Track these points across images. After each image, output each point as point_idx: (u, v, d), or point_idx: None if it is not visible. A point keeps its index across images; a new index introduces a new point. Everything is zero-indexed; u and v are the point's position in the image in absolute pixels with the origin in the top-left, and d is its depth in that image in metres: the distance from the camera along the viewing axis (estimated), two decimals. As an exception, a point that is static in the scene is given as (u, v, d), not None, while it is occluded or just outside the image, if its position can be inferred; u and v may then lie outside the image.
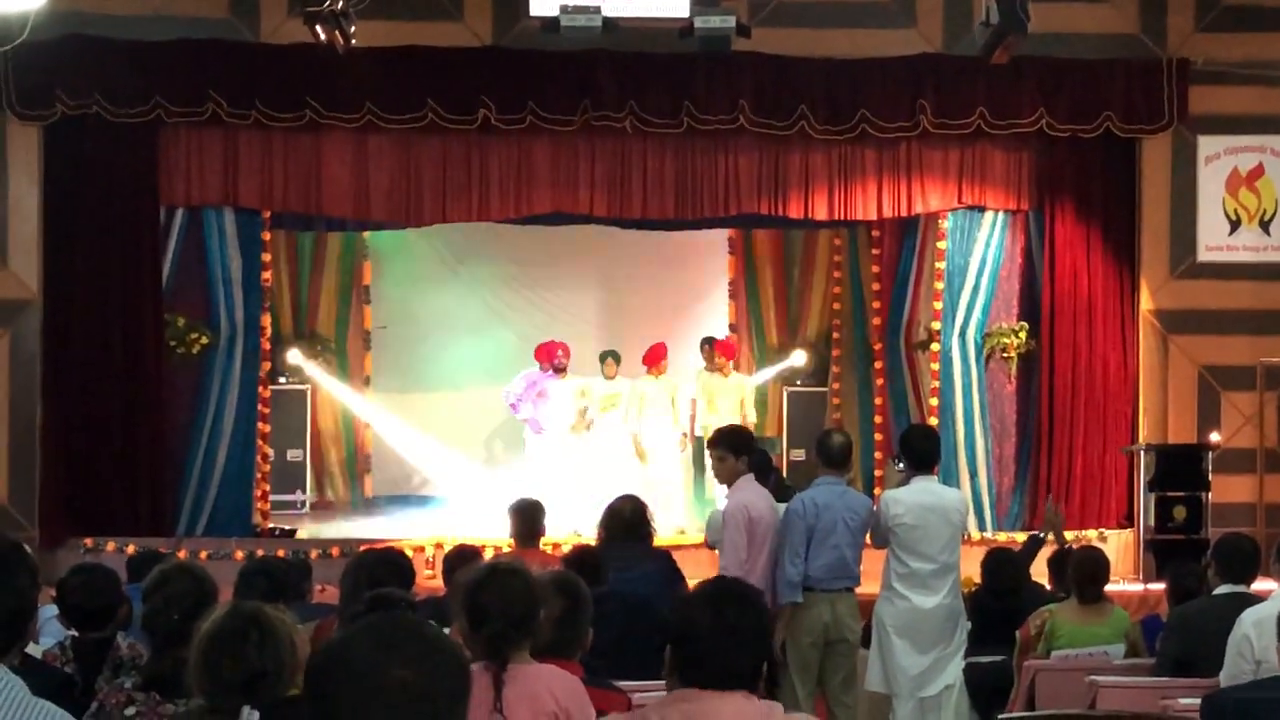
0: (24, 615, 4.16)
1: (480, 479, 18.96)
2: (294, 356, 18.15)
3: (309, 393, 18.18)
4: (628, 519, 9.69)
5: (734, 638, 4.21)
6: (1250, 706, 5.42)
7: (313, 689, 2.85)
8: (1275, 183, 16.30)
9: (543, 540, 10.77)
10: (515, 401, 17.15)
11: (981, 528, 15.87)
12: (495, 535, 14.95)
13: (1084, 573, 9.28)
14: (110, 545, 14.65)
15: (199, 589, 5.72)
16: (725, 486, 10.40)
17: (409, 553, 10.47)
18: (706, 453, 15.75)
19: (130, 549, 13.88)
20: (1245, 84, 16.04)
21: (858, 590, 10.03)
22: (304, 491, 18.01)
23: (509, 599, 5.17)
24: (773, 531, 9.81)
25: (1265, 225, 16.31)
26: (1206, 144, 16.27)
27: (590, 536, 11.40)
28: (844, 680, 9.90)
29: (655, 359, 16.86)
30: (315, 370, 18.35)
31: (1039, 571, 11.36)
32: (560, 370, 16.92)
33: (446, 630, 5.46)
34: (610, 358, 17.30)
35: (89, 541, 14.84)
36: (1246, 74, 15.96)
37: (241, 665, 4.57)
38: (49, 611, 7.78)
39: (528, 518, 10.32)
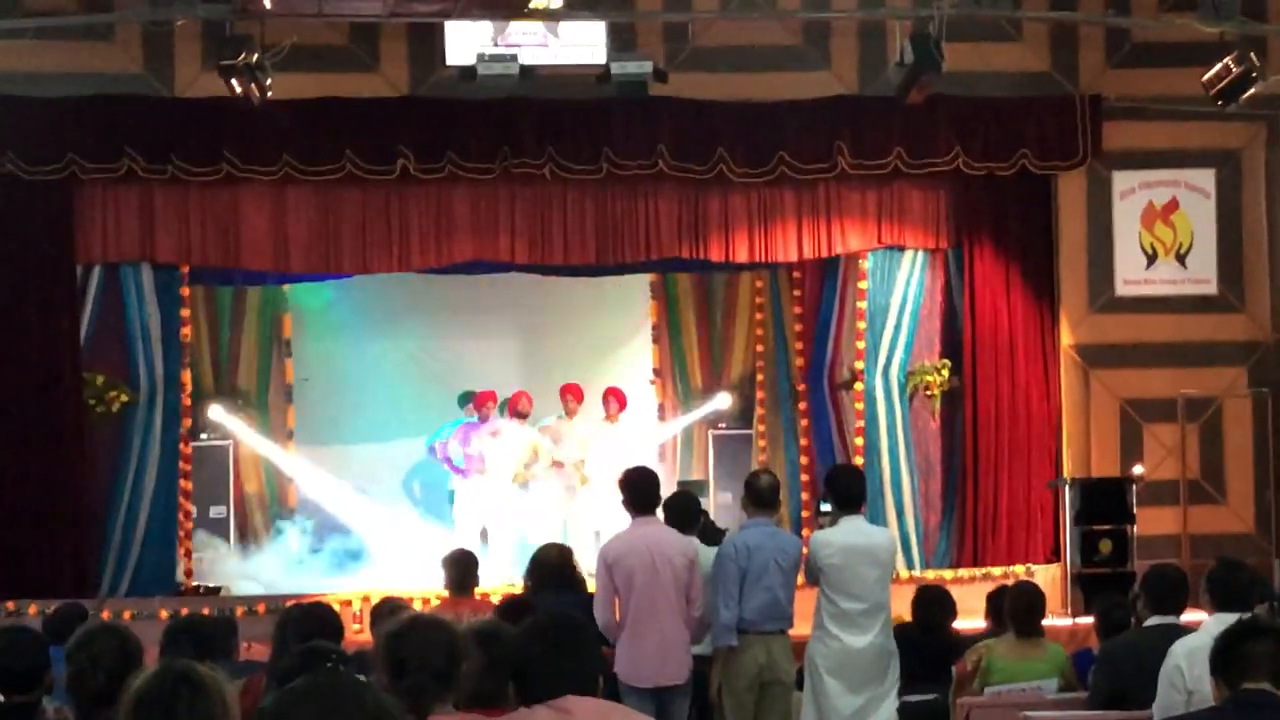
0: None
1: (406, 531, 18.82)
2: (215, 413, 17.95)
3: (231, 448, 17.99)
4: (554, 565, 9.67)
5: (560, 655, 4.94)
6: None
7: None
8: (1190, 216, 16.47)
9: (476, 590, 10.71)
10: (443, 445, 17.09)
11: (910, 566, 15.91)
12: (423, 587, 14.89)
13: (1021, 606, 9.31)
14: (33, 608, 14.37)
15: (124, 648, 5.61)
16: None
17: (336, 607, 10.40)
18: None
19: (52, 609, 13.70)
20: (1157, 119, 16.22)
21: (791, 633, 10.01)
22: (228, 547, 17.80)
23: (429, 652, 5.14)
24: (672, 568, 9.71)
25: (1181, 258, 16.46)
26: (1121, 179, 16.42)
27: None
28: (779, 722, 9.88)
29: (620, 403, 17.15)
30: (237, 425, 18.17)
31: (974, 609, 11.42)
32: (523, 416, 16.95)
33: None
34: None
35: (10, 604, 14.59)
36: (1158, 109, 16.13)
37: (172, 724, 4.48)
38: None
39: (461, 568, 10.30)
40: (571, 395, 17.41)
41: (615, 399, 17.36)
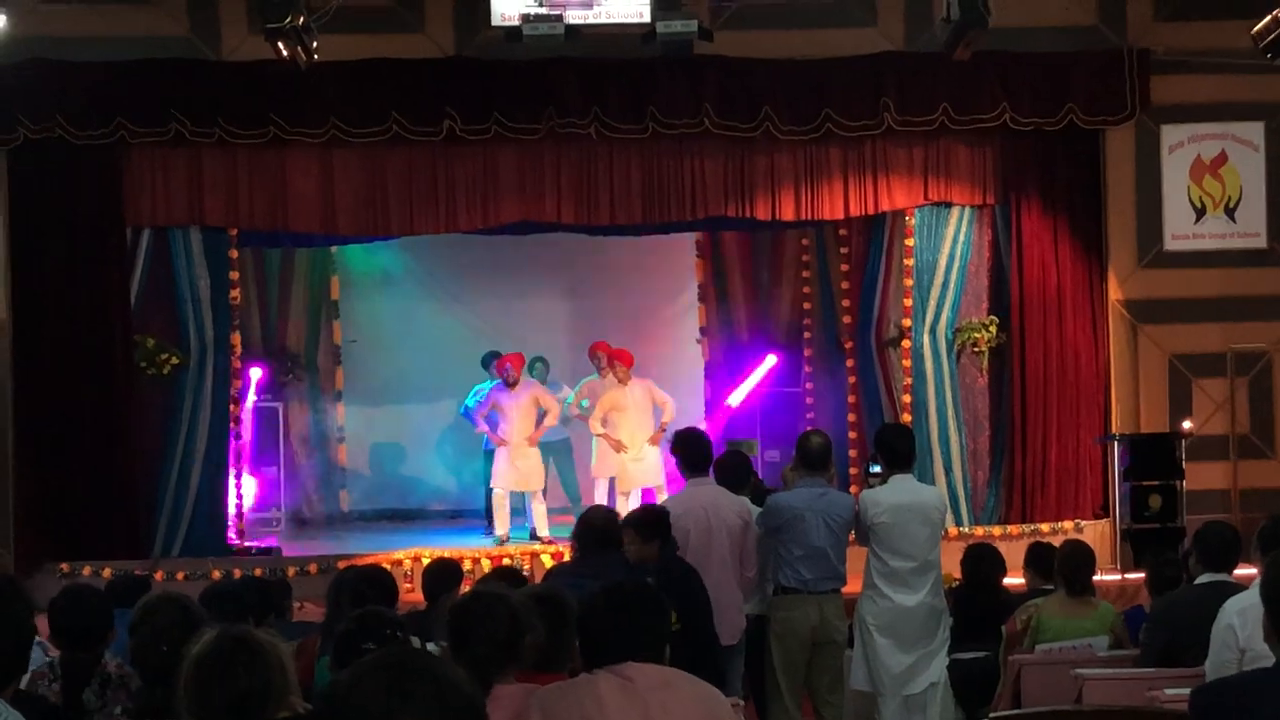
0: (25, 645, 4.17)
1: (455, 490, 18.92)
2: (265, 374, 18.07)
3: (280, 410, 18.11)
4: (600, 529, 9.67)
5: (624, 621, 5.01)
6: (1244, 697, 5.42)
7: None
8: (1239, 170, 16.35)
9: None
10: (472, 414, 16.96)
11: (959, 523, 15.90)
12: (473, 546, 14.97)
13: (1072, 565, 9.29)
14: (86, 569, 14.57)
15: (186, 618, 5.67)
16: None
17: (386, 567, 10.49)
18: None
19: (106, 572, 13.85)
20: (1206, 72, 16.08)
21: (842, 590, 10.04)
22: (279, 509, 17.94)
23: (492, 624, 5.19)
24: (728, 529, 9.75)
25: (1230, 212, 16.35)
26: (1169, 133, 16.31)
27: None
28: (831, 681, 9.90)
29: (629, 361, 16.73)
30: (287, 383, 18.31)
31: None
32: (511, 384, 16.61)
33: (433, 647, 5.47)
34: (539, 363, 17.41)
35: (65, 566, 14.74)
36: (1207, 62, 15.99)
37: (230, 688, 4.54)
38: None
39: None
40: (604, 353, 17.04)
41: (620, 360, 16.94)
